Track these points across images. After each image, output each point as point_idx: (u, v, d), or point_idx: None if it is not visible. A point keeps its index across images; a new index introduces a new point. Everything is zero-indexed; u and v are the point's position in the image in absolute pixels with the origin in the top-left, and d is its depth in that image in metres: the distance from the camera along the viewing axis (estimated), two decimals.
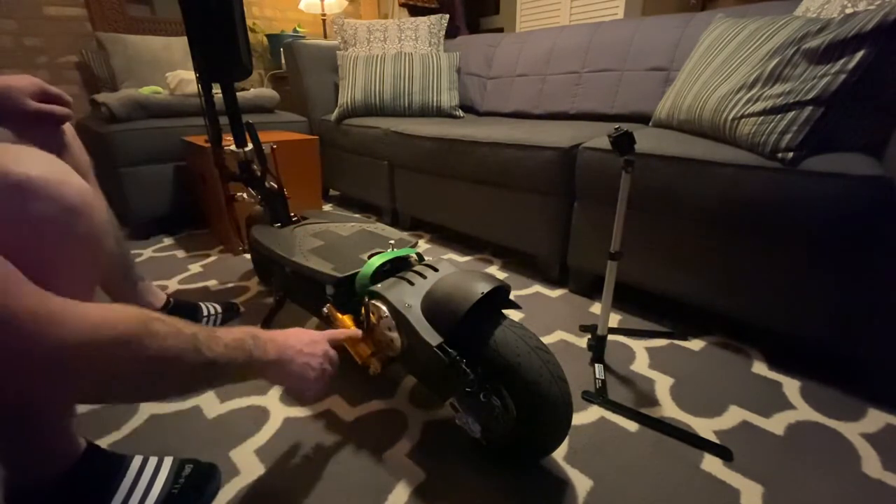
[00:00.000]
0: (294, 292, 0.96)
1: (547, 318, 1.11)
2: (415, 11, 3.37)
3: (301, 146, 1.66)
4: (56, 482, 0.54)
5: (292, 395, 0.82)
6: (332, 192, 2.39)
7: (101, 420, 0.77)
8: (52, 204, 0.41)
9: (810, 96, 0.82)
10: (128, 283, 0.93)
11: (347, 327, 0.73)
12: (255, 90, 1.99)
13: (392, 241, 0.88)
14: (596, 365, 0.91)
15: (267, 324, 1.04)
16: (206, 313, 1.06)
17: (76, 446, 0.57)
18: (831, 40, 0.80)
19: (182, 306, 1.03)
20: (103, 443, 0.72)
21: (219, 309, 1.09)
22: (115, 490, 0.57)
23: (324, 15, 2.79)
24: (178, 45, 2.14)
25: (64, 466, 0.54)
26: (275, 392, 0.85)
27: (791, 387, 0.86)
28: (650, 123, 1.33)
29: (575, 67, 1.70)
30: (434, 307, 0.65)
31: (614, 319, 1.10)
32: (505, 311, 0.83)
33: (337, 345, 0.68)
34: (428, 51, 2.00)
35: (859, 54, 0.78)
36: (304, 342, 0.60)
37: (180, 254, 1.53)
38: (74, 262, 0.45)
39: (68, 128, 0.74)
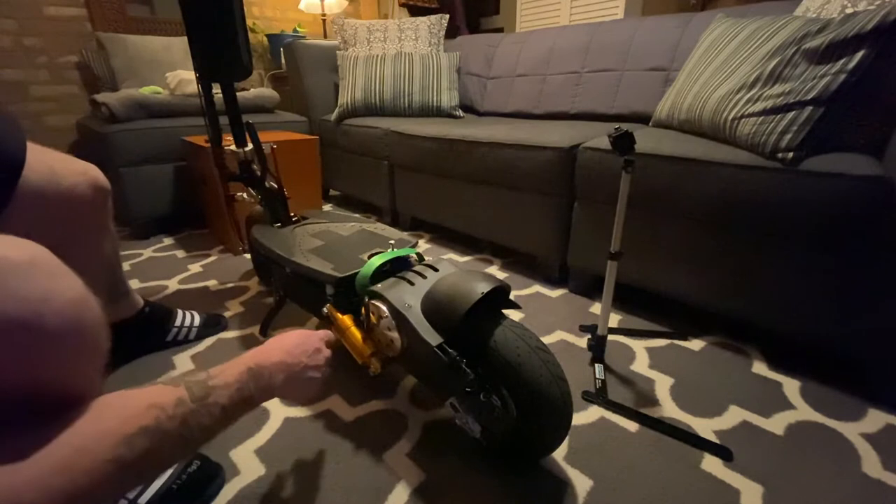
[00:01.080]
0: (294, 292, 0.96)
1: (547, 318, 1.11)
2: (415, 11, 3.37)
3: (301, 146, 1.66)
4: None
5: (293, 401, 0.81)
6: (332, 192, 2.39)
7: None
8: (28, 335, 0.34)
9: (810, 96, 0.82)
10: (110, 297, 0.89)
11: (347, 327, 0.73)
12: (255, 90, 1.99)
13: (392, 241, 0.88)
14: (596, 365, 0.91)
15: (267, 324, 1.04)
16: (179, 322, 1.00)
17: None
18: (831, 40, 0.80)
19: (156, 312, 0.97)
20: None
21: (196, 320, 1.03)
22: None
23: (324, 15, 2.79)
24: (178, 45, 2.14)
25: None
26: None
27: (791, 387, 0.86)
28: (650, 123, 1.33)
29: (575, 67, 1.70)
30: (434, 307, 0.65)
31: (614, 319, 1.10)
32: (505, 311, 0.84)
33: (333, 345, 0.68)
34: (428, 51, 2.00)
35: (859, 54, 0.78)
36: (308, 352, 0.59)
37: (180, 254, 1.53)
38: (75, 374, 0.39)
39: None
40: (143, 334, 0.95)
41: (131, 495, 0.57)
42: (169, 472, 0.60)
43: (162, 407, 0.40)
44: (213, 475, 0.65)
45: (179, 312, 1.02)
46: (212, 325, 1.06)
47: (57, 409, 0.35)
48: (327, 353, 0.63)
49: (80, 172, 0.70)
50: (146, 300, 0.98)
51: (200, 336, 1.03)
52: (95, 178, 0.73)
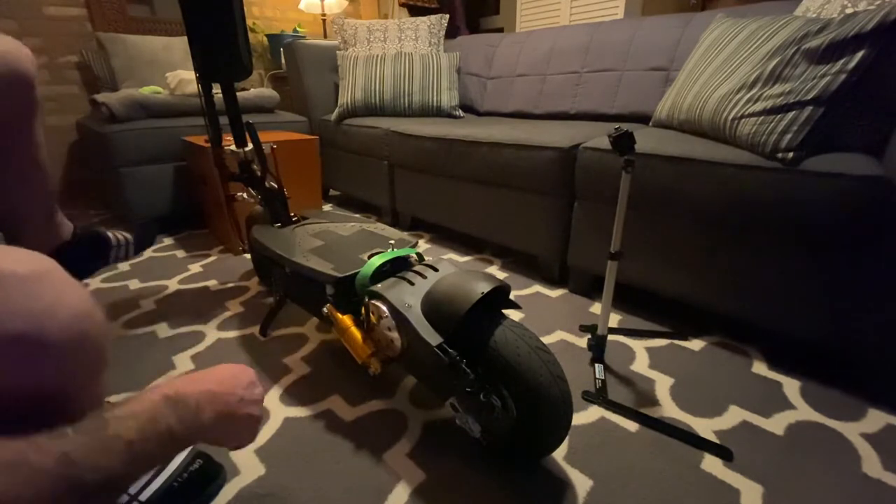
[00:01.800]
0: (294, 292, 0.96)
1: (547, 318, 1.11)
2: (415, 11, 3.37)
3: (301, 146, 1.66)
4: None
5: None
6: (332, 192, 2.39)
7: None
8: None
9: (810, 96, 0.82)
10: (48, 224, 0.88)
11: (347, 327, 0.73)
12: (255, 90, 1.99)
13: (392, 241, 0.88)
14: (596, 365, 0.91)
15: (267, 324, 1.04)
16: (115, 243, 1.01)
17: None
18: (831, 40, 0.80)
19: (88, 237, 0.96)
20: None
21: (129, 238, 1.04)
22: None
23: (324, 15, 2.79)
24: (178, 45, 2.14)
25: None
26: (275, 392, 0.85)
27: (791, 387, 0.86)
28: (650, 123, 1.33)
29: (575, 67, 1.70)
30: (434, 307, 0.65)
31: (614, 319, 1.10)
32: (505, 311, 0.84)
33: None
34: (428, 51, 2.00)
35: (859, 54, 0.78)
36: (242, 384, 0.49)
37: (180, 254, 1.53)
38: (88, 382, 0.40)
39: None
40: (85, 257, 0.96)
41: (133, 490, 0.57)
42: (171, 469, 0.60)
43: (32, 439, 0.32)
44: (215, 475, 0.65)
45: (110, 235, 1.02)
46: (143, 234, 1.08)
47: (55, 419, 0.34)
48: (261, 389, 0.53)
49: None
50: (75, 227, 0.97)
51: (138, 251, 1.07)
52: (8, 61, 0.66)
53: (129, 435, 0.36)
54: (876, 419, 0.77)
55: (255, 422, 0.50)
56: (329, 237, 0.95)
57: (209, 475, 0.64)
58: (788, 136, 0.83)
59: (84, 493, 0.32)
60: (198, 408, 0.43)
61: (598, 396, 0.83)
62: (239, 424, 0.47)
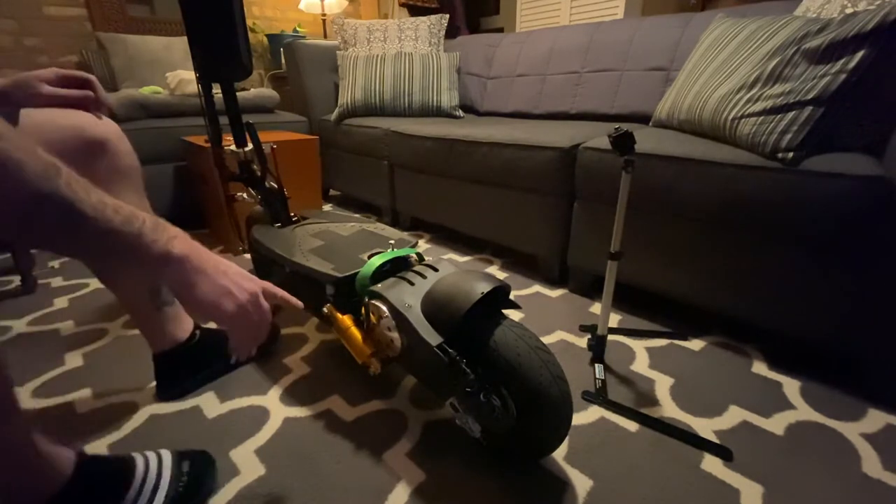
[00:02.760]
0: (294, 292, 0.96)
1: (547, 318, 1.11)
2: (415, 11, 3.37)
3: (301, 146, 1.66)
4: None
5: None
6: (332, 192, 2.39)
7: (101, 420, 0.78)
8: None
9: (810, 96, 0.82)
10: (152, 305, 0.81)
11: (347, 327, 0.73)
12: (255, 90, 1.99)
13: (392, 241, 0.88)
14: (596, 365, 0.91)
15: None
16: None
17: (60, 463, 0.51)
18: (831, 40, 0.80)
19: (212, 337, 0.88)
20: (103, 443, 0.73)
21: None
22: (121, 499, 0.55)
23: (324, 15, 2.79)
24: (178, 45, 2.14)
25: (52, 489, 0.50)
26: (275, 392, 0.85)
27: (791, 387, 0.86)
28: (650, 123, 1.33)
29: (575, 67, 1.70)
30: (434, 307, 0.65)
31: (614, 319, 1.10)
32: (505, 311, 0.84)
33: (270, 298, 0.54)
34: (428, 51, 2.00)
35: (859, 54, 0.78)
36: (233, 269, 0.49)
37: None
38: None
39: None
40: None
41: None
42: (165, 483, 0.60)
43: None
44: (208, 463, 0.66)
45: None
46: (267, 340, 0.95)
47: None
48: (263, 300, 0.51)
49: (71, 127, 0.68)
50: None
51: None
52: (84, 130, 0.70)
53: (110, 201, 0.40)
54: (876, 419, 0.77)
55: (227, 299, 0.47)
56: (329, 237, 0.95)
57: (202, 466, 0.65)
58: (788, 136, 0.83)
59: (46, 209, 0.36)
60: (169, 237, 0.44)
61: (598, 396, 0.83)
62: (207, 289, 0.46)
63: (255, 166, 1.04)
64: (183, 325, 0.84)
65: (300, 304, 0.59)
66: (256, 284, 0.51)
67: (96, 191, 0.39)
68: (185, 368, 0.84)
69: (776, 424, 0.76)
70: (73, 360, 0.95)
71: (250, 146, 1.01)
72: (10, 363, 0.88)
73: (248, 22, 2.59)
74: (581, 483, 0.66)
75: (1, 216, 0.35)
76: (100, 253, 0.41)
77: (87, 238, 0.39)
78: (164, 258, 0.43)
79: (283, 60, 2.27)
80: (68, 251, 0.41)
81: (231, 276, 0.48)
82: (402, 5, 3.33)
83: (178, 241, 0.45)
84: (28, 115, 0.63)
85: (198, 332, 0.86)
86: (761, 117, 0.87)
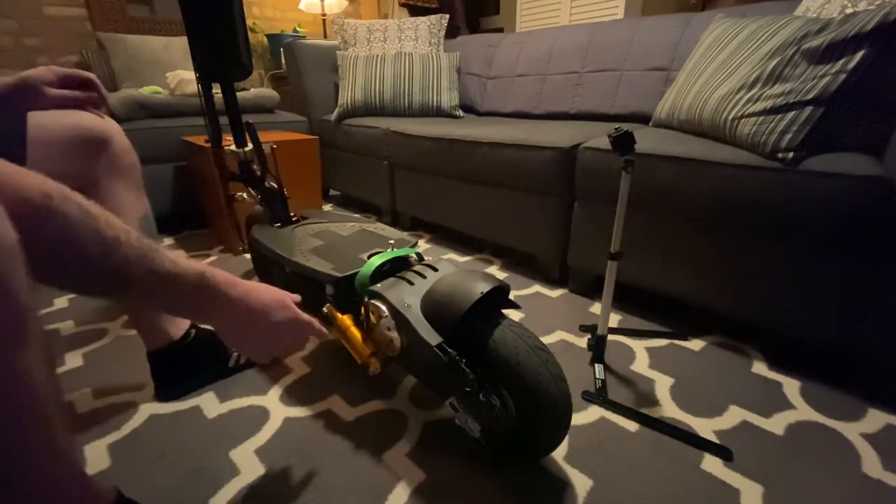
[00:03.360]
0: (294, 292, 0.96)
1: (547, 318, 1.11)
2: (415, 11, 3.37)
3: (301, 146, 1.66)
4: None
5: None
6: (332, 192, 2.39)
7: (101, 420, 0.78)
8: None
9: (810, 96, 0.82)
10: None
11: (347, 327, 0.73)
12: (255, 90, 1.99)
13: (392, 241, 0.88)
14: (596, 365, 0.91)
15: None
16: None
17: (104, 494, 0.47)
18: (831, 40, 0.80)
19: (208, 337, 0.87)
20: (103, 443, 0.73)
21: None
22: None
23: (324, 15, 2.79)
24: (178, 45, 2.14)
25: None
26: (275, 392, 0.85)
27: (791, 387, 0.86)
28: (650, 123, 1.33)
29: (575, 67, 1.70)
30: (434, 307, 0.65)
31: (614, 319, 1.10)
32: (505, 311, 0.84)
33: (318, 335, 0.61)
34: (428, 51, 2.00)
35: (859, 54, 0.78)
36: (277, 300, 0.55)
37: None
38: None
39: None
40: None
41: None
42: None
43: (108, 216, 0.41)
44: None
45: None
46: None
47: None
48: (302, 316, 0.58)
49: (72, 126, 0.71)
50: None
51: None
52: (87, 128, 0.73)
53: (163, 261, 0.44)
54: (876, 419, 0.77)
55: (276, 337, 0.54)
56: (329, 237, 0.95)
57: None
58: (788, 136, 0.83)
59: (104, 249, 0.40)
60: (225, 281, 0.50)
61: (598, 396, 0.83)
62: (259, 328, 0.52)
63: (255, 166, 1.04)
64: (178, 323, 0.84)
65: (325, 333, 0.64)
66: (293, 309, 0.58)
67: (151, 248, 0.44)
68: (179, 368, 0.84)
69: (776, 424, 0.76)
70: (73, 359, 0.95)
71: (250, 146, 1.01)
72: None
73: (248, 22, 2.59)
74: (581, 483, 0.66)
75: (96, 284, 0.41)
76: (162, 300, 0.46)
77: (157, 292, 0.45)
78: (221, 301, 0.49)
79: (283, 60, 2.27)
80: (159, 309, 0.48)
81: (278, 315, 0.54)
82: (402, 5, 3.33)
83: (231, 284, 0.51)
84: (32, 116, 0.64)
85: (193, 330, 0.86)
86: (761, 117, 0.87)
